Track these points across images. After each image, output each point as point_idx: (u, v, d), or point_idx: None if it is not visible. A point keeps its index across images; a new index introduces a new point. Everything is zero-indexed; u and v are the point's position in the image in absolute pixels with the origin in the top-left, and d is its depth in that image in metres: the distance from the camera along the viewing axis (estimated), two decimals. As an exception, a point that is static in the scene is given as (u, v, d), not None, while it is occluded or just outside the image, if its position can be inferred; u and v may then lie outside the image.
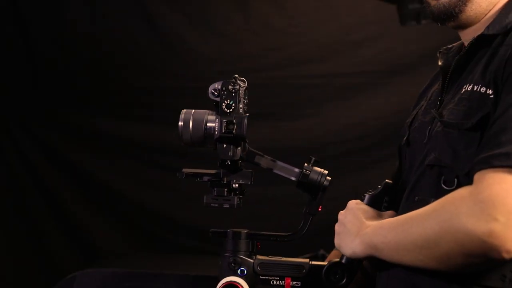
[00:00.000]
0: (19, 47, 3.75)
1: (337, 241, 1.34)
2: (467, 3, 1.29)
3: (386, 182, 1.38)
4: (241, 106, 1.39)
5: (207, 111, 1.41)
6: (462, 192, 1.08)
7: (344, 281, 1.39)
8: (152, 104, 3.76)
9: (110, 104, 3.79)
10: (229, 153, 1.39)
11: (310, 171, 1.44)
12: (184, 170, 1.47)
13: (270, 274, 1.42)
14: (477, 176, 1.07)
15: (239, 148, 1.40)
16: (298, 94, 3.63)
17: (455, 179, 1.18)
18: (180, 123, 1.40)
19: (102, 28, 3.72)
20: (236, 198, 1.43)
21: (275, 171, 1.47)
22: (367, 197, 1.37)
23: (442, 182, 1.20)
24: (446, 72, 1.34)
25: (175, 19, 3.74)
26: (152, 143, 3.76)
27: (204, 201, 1.45)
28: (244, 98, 1.40)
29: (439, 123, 1.26)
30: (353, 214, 1.32)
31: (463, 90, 1.23)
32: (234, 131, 1.37)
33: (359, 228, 1.28)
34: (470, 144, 1.16)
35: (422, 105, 1.42)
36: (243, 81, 1.40)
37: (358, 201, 1.37)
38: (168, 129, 3.77)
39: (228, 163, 1.39)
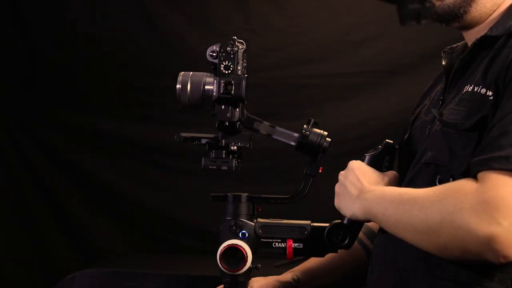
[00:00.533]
0: (19, 47, 3.74)
1: (337, 202, 1.35)
2: (471, 4, 1.29)
3: (387, 141, 1.38)
4: (239, 68, 1.37)
5: (205, 73, 1.39)
6: (466, 187, 1.07)
7: (346, 242, 1.39)
8: (152, 104, 3.75)
9: (110, 104, 3.79)
10: (227, 114, 1.36)
11: (309, 133, 1.44)
12: (182, 134, 1.41)
13: (271, 236, 1.41)
14: (480, 176, 1.06)
15: (237, 110, 1.38)
16: (298, 94, 3.62)
17: (450, 178, 1.18)
18: (178, 86, 1.38)
19: (102, 28, 3.72)
20: (234, 160, 1.40)
21: (274, 136, 1.46)
22: (367, 157, 1.37)
23: (437, 180, 1.21)
24: (449, 72, 1.34)
25: (175, 19, 3.73)
26: (152, 143, 3.76)
27: (202, 163, 1.40)
28: (243, 60, 1.38)
29: (438, 122, 1.26)
30: (353, 175, 1.32)
31: (464, 90, 1.23)
32: (232, 92, 1.35)
33: (359, 191, 1.28)
34: (468, 144, 1.16)
35: (425, 104, 1.43)
36: (241, 43, 1.39)
37: (359, 161, 1.37)
38: (168, 129, 3.77)
39: (226, 124, 1.37)
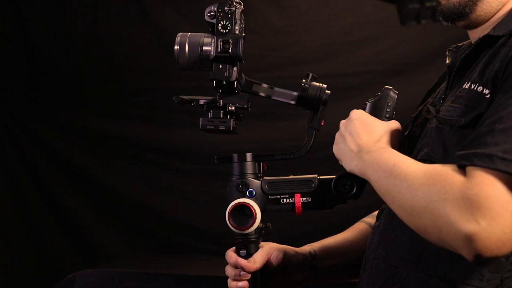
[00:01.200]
0: (19, 47, 3.75)
1: (336, 151, 1.35)
2: (477, 3, 1.29)
3: (386, 88, 1.39)
4: (237, 27, 1.35)
5: (203, 33, 1.37)
6: (454, 178, 1.07)
7: (354, 191, 1.39)
8: (152, 104, 3.76)
9: (110, 104, 3.79)
10: (225, 73, 1.35)
11: (308, 86, 1.45)
12: (181, 96, 1.39)
13: (279, 192, 1.41)
14: (468, 170, 1.06)
15: (235, 69, 1.36)
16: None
17: None
18: (176, 47, 1.35)
19: (102, 28, 3.73)
20: (232, 120, 1.38)
21: (274, 97, 1.46)
22: (368, 105, 1.38)
23: None
24: (452, 70, 1.34)
25: (175, 19, 3.74)
26: (152, 143, 3.76)
27: (200, 123, 1.37)
28: (241, 20, 1.37)
29: (434, 119, 1.27)
30: (353, 127, 1.33)
31: (461, 88, 1.24)
32: (230, 51, 1.33)
33: (358, 148, 1.28)
34: (462, 141, 1.16)
35: (428, 102, 1.43)
36: (239, 3, 1.37)
37: (361, 110, 1.37)
38: (168, 129, 3.79)
39: (224, 83, 1.36)
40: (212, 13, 1.35)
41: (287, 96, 1.46)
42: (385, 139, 1.31)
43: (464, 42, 1.42)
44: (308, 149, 1.45)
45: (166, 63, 3.67)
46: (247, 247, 1.42)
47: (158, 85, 3.69)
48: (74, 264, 3.51)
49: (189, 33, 1.37)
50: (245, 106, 1.41)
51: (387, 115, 1.35)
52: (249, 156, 1.42)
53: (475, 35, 1.33)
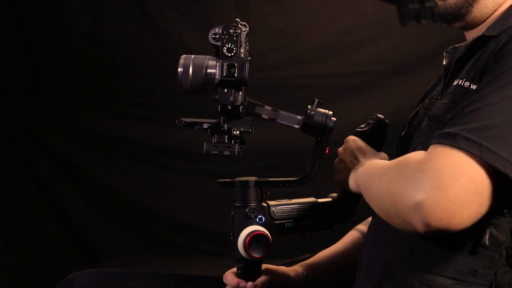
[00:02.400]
0: (19, 47, 3.75)
1: (337, 177, 1.40)
2: (473, 4, 1.30)
3: (377, 116, 1.43)
4: (242, 50, 1.34)
5: (207, 56, 1.36)
6: (413, 156, 1.11)
7: (348, 213, 1.46)
8: (152, 104, 3.76)
9: (110, 104, 3.79)
10: (230, 98, 1.33)
11: (314, 113, 1.43)
12: (183, 118, 1.37)
13: (284, 217, 1.42)
14: (430, 148, 1.09)
15: (240, 93, 1.34)
16: (298, 94, 3.62)
17: None
18: (180, 69, 1.34)
19: (102, 28, 3.73)
20: (236, 145, 1.37)
21: (278, 120, 1.44)
22: (359, 132, 1.42)
23: None
24: (448, 71, 1.35)
25: (175, 19, 3.74)
26: (152, 143, 3.76)
27: (204, 148, 1.35)
28: (246, 43, 1.35)
29: (425, 116, 1.30)
30: (350, 151, 1.38)
31: (451, 85, 1.25)
32: (235, 75, 1.32)
33: (355, 165, 1.35)
34: None
35: (425, 103, 1.43)
36: (244, 25, 1.35)
37: (355, 137, 1.42)
38: (168, 129, 3.79)
39: (229, 108, 1.34)
40: (217, 36, 1.33)
41: (291, 119, 1.45)
42: (378, 157, 1.37)
43: (462, 44, 1.42)
44: (311, 177, 1.45)
45: (166, 63, 3.68)
46: (252, 273, 1.43)
47: (158, 85, 3.69)
48: (74, 264, 3.51)
49: (193, 56, 1.36)
50: (250, 130, 1.39)
51: (377, 143, 1.40)
52: (252, 183, 1.41)
53: (471, 36, 1.34)
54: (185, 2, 3.76)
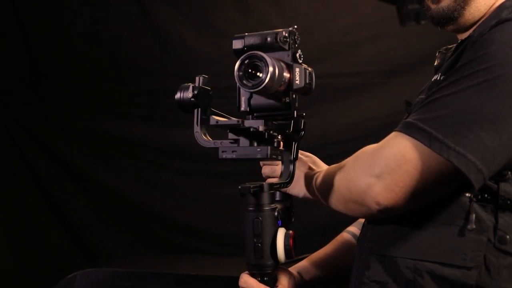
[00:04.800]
0: (20, 47, 3.75)
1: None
2: (465, 7, 1.32)
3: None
4: None
5: (276, 58, 1.29)
6: (370, 146, 1.21)
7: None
8: (152, 104, 3.76)
9: (110, 104, 3.80)
10: (296, 103, 1.33)
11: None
12: (230, 120, 1.25)
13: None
14: (390, 135, 1.19)
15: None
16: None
17: None
18: (271, 68, 1.21)
19: (102, 28, 3.73)
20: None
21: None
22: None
23: None
24: (437, 71, 1.36)
25: (175, 19, 3.74)
26: (152, 143, 3.77)
27: (268, 152, 1.24)
28: None
29: (407, 112, 1.37)
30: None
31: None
32: (312, 83, 1.33)
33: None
34: None
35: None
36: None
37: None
38: (169, 130, 3.79)
39: (296, 114, 1.33)
40: (287, 39, 1.32)
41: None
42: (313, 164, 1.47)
43: (454, 45, 1.44)
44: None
45: (166, 63, 3.69)
46: (269, 276, 1.37)
47: (158, 85, 3.69)
48: (74, 264, 3.51)
49: (274, 59, 1.27)
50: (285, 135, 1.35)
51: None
52: (266, 186, 1.34)
53: (462, 38, 1.35)
54: (185, 2, 3.76)
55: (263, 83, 1.19)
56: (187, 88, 1.29)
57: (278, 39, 1.29)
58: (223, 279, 2.48)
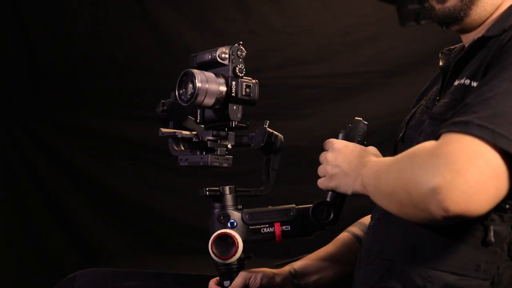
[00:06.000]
0: (20, 48, 3.75)
1: (333, 183, 1.36)
2: (472, 7, 1.30)
3: (356, 119, 1.46)
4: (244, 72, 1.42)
5: (212, 73, 1.41)
6: (424, 146, 1.10)
7: (330, 218, 1.44)
8: (152, 104, 3.74)
9: (110, 104, 3.80)
10: (238, 114, 1.41)
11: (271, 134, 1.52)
12: (165, 130, 1.50)
13: (259, 222, 1.47)
14: (442, 136, 1.08)
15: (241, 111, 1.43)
16: (298, 94, 3.63)
17: None
18: (199, 84, 1.37)
19: (102, 28, 3.73)
20: (231, 158, 1.47)
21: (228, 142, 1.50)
22: (341, 135, 1.43)
23: None
24: (445, 72, 1.35)
25: (175, 19, 3.74)
26: (152, 143, 3.76)
27: (208, 160, 1.44)
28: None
29: (427, 116, 1.30)
30: (343, 155, 1.35)
31: (452, 85, 1.26)
32: (250, 95, 1.39)
33: (357, 167, 1.31)
34: None
35: (421, 104, 1.44)
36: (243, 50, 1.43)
37: (341, 140, 1.41)
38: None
39: (234, 124, 1.41)
40: (226, 55, 1.40)
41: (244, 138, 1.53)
42: (368, 152, 1.36)
43: (456, 45, 1.43)
44: (272, 188, 1.52)
45: (166, 63, 3.69)
46: (230, 277, 1.49)
47: (158, 85, 3.69)
48: (74, 264, 3.51)
49: (200, 71, 1.39)
50: (233, 144, 1.48)
51: (359, 142, 1.41)
52: (228, 189, 1.50)
53: (468, 38, 1.34)
54: (185, 2, 3.76)
55: (192, 97, 1.35)
56: (160, 105, 1.57)
57: (217, 56, 1.40)
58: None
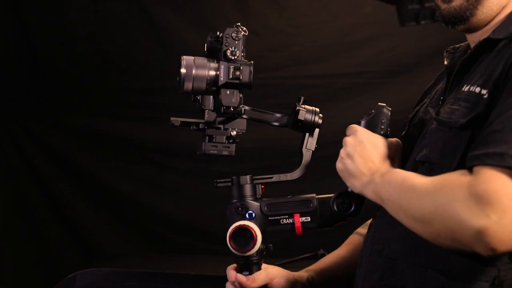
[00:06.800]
0: (20, 47, 3.75)
1: (342, 171, 1.33)
2: (478, 7, 1.29)
3: (380, 105, 1.40)
4: (243, 54, 1.38)
5: (206, 58, 1.39)
6: (461, 179, 1.08)
7: (352, 209, 1.41)
8: (152, 104, 3.76)
9: (110, 104, 3.79)
10: (233, 99, 1.37)
11: (304, 109, 1.47)
12: (176, 118, 1.42)
13: (278, 213, 1.42)
14: (475, 170, 1.08)
15: (241, 95, 1.39)
16: (298, 94, 3.62)
17: None
18: (183, 70, 1.35)
19: (102, 28, 3.73)
20: (234, 145, 1.42)
21: (264, 119, 1.49)
22: (363, 122, 1.38)
23: None
24: (450, 72, 1.35)
25: (175, 19, 3.74)
26: (152, 143, 3.77)
27: (203, 148, 1.40)
28: (244, 47, 1.39)
29: (434, 121, 1.28)
30: (363, 148, 1.30)
31: (461, 90, 1.24)
32: (241, 78, 1.35)
33: (370, 172, 1.28)
34: (460, 142, 1.18)
35: (425, 103, 1.44)
36: (244, 30, 1.39)
37: (366, 130, 1.35)
38: (169, 130, 3.78)
39: (231, 109, 1.37)
40: (219, 38, 1.37)
41: (281, 119, 1.51)
42: (392, 151, 1.33)
43: (462, 44, 1.42)
44: (305, 170, 1.47)
45: (166, 63, 3.68)
46: (250, 269, 1.44)
47: (158, 85, 3.69)
48: (74, 264, 3.51)
49: (193, 57, 1.37)
50: (244, 130, 1.44)
51: (381, 132, 1.36)
52: (247, 178, 1.44)
53: (473, 38, 1.33)
54: (185, 2, 3.76)
55: (179, 83, 1.35)
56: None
57: (211, 40, 1.38)
58: (223, 279, 2.48)
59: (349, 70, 3.68)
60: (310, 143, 1.47)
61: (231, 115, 1.41)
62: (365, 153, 1.30)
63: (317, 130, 1.47)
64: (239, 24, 1.39)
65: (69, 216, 3.79)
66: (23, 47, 3.75)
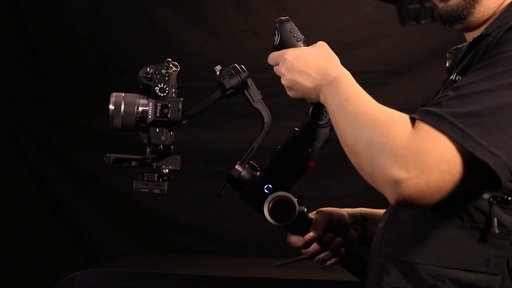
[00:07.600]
0: (20, 47, 3.75)
1: (295, 95, 1.46)
2: (475, 6, 1.30)
3: (277, 21, 1.45)
4: (173, 90, 1.39)
5: (137, 94, 1.40)
6: (401, 126, 1.11)
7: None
8: (152, 104, 3.75)
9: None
10: (162, 137, 1.38)
11: (226, 76, 1.50)
12: (110, 155, 1.44)
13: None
14: (416, 123, 1.11)
15: (171, 133, 1.39)
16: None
17: None
18: (111, 107, 1.38)
19: (102, 28, 3.73)
20: (166, 183, 1.43)
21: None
22: (278, 46, 1.44)
23: None
24: (450, 73, 1.35)
25: (175, 19, 3.74)
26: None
27: (134, 186, 1.43)
28: (175, 83, 1.40)
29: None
30: (296, 65, 1.43)
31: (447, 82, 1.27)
32: (169, 115, 1.35)
33: (314, 83, 1.37)
34: None
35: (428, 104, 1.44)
36: (175, 65, 1.39)
37: (287, 49, 1.44)
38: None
39: (160, 148, 1.38)
40: (149, 75, 1.40)
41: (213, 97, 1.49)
42: (333, 63, 1.42)
43: (464, 44, 1.43)
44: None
45: (166, 63, 3.68)
46: (298, 230, 1.46)
47: (158, 85, 3.69)
48: (74, 264, 3.51)
49: (123, 94, 1.40)
50: (178, 168, 1.46)
51: (298, 39, 1.40)
52: (237, 169, 1.49)
53: (471, 37, 1.34)
54: (185, 2, 3.75)
55: (110, 120, 1.37)
56: None
57: (141, 76, 1.41)
58: (223, 279, 2.48)
59: (349, 70, 3.66)
60: (253, 94, 1.52)
61: (164, 153, 1.41)
62: (300, 69, 1.40)
63: (249, 80, 1.51)
64: (169, 59, 1.43)
65: (69, 216, 3.79)
66: (23, 47, 3.75)
